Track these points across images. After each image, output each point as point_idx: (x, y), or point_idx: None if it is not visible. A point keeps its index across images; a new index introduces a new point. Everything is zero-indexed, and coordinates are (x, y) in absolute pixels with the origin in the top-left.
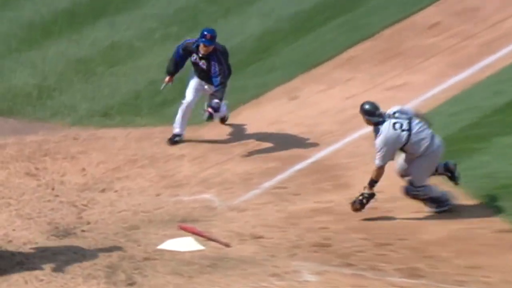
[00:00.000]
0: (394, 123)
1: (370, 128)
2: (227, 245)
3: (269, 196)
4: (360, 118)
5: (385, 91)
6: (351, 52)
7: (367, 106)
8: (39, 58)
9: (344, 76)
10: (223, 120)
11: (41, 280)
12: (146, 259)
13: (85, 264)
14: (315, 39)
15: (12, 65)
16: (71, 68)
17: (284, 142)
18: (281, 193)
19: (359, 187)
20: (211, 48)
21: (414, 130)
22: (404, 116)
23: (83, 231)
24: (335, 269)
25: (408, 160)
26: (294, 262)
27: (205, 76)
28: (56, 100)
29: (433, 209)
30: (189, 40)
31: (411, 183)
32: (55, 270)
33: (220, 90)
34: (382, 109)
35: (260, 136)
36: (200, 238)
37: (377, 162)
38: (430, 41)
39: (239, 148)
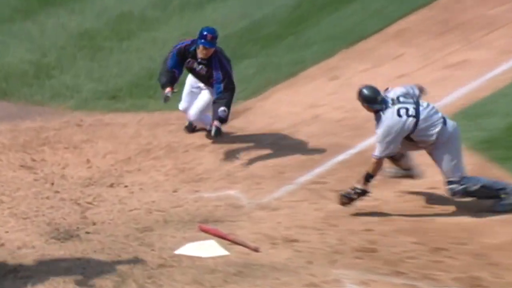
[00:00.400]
0: (399, 109)
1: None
2: (255, 250)
3: (304, 192)
4: None
5: (441, 70)
6: (401, 23)
7: (366, 92)
8: (36, 31)
9: (393, 52)
10: (217, 133)
11: None
12: (161, 266)
13: (90, 272)
14: (360, 8)
15: (4, 38)
16: (73, 43)
17: (323, 129)
18: (319, 189)
19: (409, 182)
20: (211, 51)
21: (422, 116)
22: (410, 99)
23: (87, 233)
24: (382, 278)
25: (428, 153)
26: (334, 270)
27: (204, 81)
28: (56, 80)
29: (497, 209)
30: (183, 42)
31: (448, 181)
32: (54, 279)
33: (225, 94)
34: (383, 93)
35: (294, 122)
36: (224, 242)
37: (377, 153)
38: (495, 10)
39: (269, 136)
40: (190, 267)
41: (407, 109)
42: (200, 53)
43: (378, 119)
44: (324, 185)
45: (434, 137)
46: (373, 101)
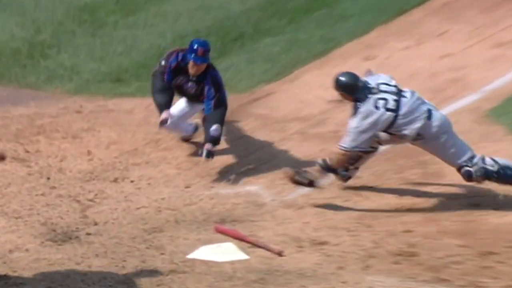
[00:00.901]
0: (377, 100)
1: (474, 97)
2: (279, 254)
3: (336, 189)
4: (460, 84)
5: (491, 49)
6: None
7: (344, 79)
8: (29, 2)
9: (438, 27)
10: (208, 156)
11: None
12: (172, 272)
13: (92, 278)
14: None
15: None
16: (72, 17)
17: None
18: (353, 184)
19: (456, 177)
20: (203, 67)
21: (403, 111)
22: (392, 88)
23: (88, 234)
24: (423, 286)
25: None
26: (369, 276)
27: (193, 100)
28: (52, 59)
29: None
30: (175, 57)
31: (459, 167)
32: (51, 287)
33: (216, 111)
34: (365, 78)
35: (325, 108)
36: (244, 245)
37: (344, 145)
38: None
39: (296, 123)
40: (205, 273)
41: (386, 101)
42: (191, 69)
43: (355, 108)
44: (357, 180)
45: (414, 133)
46: (353, 88)
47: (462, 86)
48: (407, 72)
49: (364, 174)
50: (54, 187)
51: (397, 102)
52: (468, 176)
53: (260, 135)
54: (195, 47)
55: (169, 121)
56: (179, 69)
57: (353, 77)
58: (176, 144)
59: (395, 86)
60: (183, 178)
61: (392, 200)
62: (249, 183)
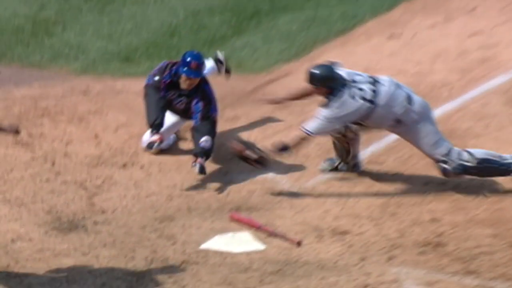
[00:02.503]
0: (354, 90)
1: (504, 78)
2: (298, 244)
3: (358, 174)
4: (490, 64)
5: None
6: None
7: (320, 72)
8: None
9: (467, 3)
10: (201, 171)
11: None
12: (184, 263)
13: (99, 269)
14: None
15: None
16: None
17: None
18: (376, 170)
19: None
20: (196, 81)
21: (382, 101)
22: (367, 78)
23: (95, 223)
24: (451, 278)
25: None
26: (394, 268)
27: (181, 115)
28: (57, 37)
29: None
30: (168, 75)
31: (437, 161)
32: (55, 278)
33: (204, 122)
34: (339, 71)
35: None
36: (261, 234)
37: (309, 129)
38: None
39: (315, 106)
40: (219, 264)
41: (363, 91)
42: (183, 83)
43: (328, 99)
44: (381, 165)
45: (392, 121)
46: (330, 80)
47: (492, 66)
48: (434, 52)
49: (389, 159)
50: (59, 173)
51: (375, 92)
52: (445, 174)
53: (278, 118)
54: (188, 60)
55: (155, 145)
56: (171, 84)
57: (329, 68)
58: (188, 127)
59: (369, 76)
60: None
61: (418, 187)
62: (266, 169)
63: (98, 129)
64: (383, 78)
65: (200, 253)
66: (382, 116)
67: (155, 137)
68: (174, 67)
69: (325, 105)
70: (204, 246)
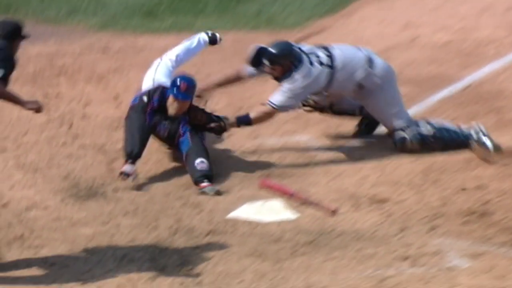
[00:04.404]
0: (310, 58)
1: None
2: (333, 213)
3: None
4: None
5: None
6: None
7: (280, 50)
8: None
9: None
10: (214, 192)
11: (52, 265)
12: (211, 233)
13: (119, 240)
14: None
15: None
16: None
17: (422, 55)
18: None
19: None
20: (186, 105)
21: (338, 64)
22: (319, 47)
23: (115, 190)
24: (497, 250)
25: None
26: (436, 239)
27: (167, 143)
28: None
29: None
30: (157, 98)
31: (393, 132)
32: (73, 249)
33: (195, 141)
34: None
35: (386, 47)
36: (293, 202)
37: (275, 102)
38: None
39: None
40: (249, 234)
41: (318, 57)
42: (171, 107)
43: (289, 74)
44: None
45: (354, 87)
46: (293, 54)
47: None
48: (480, 6)
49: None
50: (76, 136)
51: (330, 57)
52: (402, 144)
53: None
54: (178, 81)
55: (130, 178)
56: (159, 109)
57: (287, 43)
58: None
59: (320, 45)
60: None
61: (462, 152)
62: (299, 132)
63: (118, 89)
64: (335, 46)
65: (228, 223)
66: (343, 82)
67: (129, 169)
68: (165, 90)
69: (288, 79)
70: (232, 215)
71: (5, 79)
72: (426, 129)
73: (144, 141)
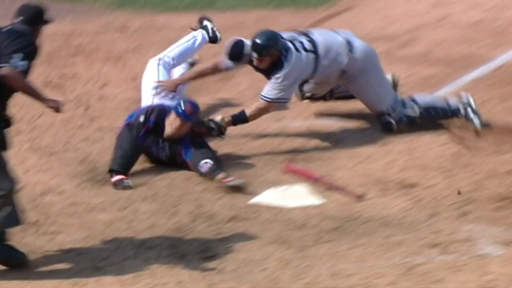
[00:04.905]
0: (294, 45)
1: None
2: (359, 198)
3: (427, 120)
4: None
5: None
6: None
7: (267, 39)
8: None
9: None
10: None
11: (68, 252)
12: (232, 219)
13: (138, 226)
14: None
15: None
16: None
17: (453, 35)
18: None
19: None
20: (186, 128)
21: (321, 49)
22: (299, 33)
23: (134, 174)
24: None
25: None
26: (466, 225)
27: (169, 161)
28: None
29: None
30: (154, 118)
31: (378, 114)
32: (90, 235)
33: (197, 145)
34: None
35: (415, 26)
36: (318, 187)
37: (269, 96)
38: None
39: (380, 44)
40: (272, 221)
41: (301, 42)
42: (169, 126)
43: (278, 64)
44: None
45: (338, 72)
46: (279, 42)
47: None
48: None
49: None
50: (93, 118)
51: (312, 42)
52: (388, 128)
53: None
54: (184, 103)
55: (123, 184)
56: (154, 130)
57: (274, 33)
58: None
59: (299, 31)
60: (246, 108)
61: (494, 134)
62: (324, 115)
63: (136, 69)
64: (314, 31)
65: (251, 208)
66: (327, 67)
67: (119, 177)
68: (165, 110)
69: (278, 70)
70: (254, 200)
71: (26, 71)
72: (412, 111)
73: (133, 162)
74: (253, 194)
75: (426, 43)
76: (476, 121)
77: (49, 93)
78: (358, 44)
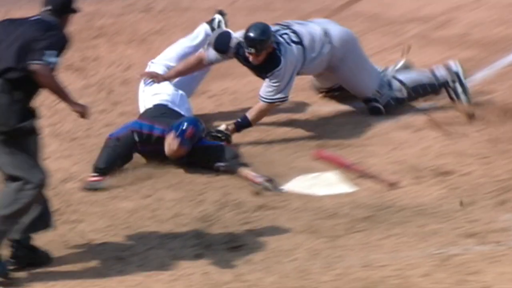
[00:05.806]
0: (284, 38)
1: None
2: (393, 186)
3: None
4: None
5: None
6: None
7: (262, 33)
8: None
9: None
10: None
11: (90, 241)
12: (261, 207)
13: (163, 214)
14: None
15: None
16: None
17: (491, 15)
18: (485, 100)
19: None
20: (183, 152)
21: (306, 41)
22: (282, 25)
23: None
24: None
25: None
26: (505, 214)
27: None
28: None
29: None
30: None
31: (365, 100)
32: (112, 224)
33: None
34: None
35: (451, 6)
36: (350, 174)
37: (269, 96)
38: None
39: (414, 26)
40: (302, 209)
41: (287, 34)
42: (167, 148)
43: (274, 58)
44: (492, 95)
45: (322, 63)
46: (271, 34)
47: None
48: None
49: (500, 87)
50: (116, 103)
51: (296, 33)
52: (376, 113)
53: (370, 40)
54: (185, 126)
55: (98, 185)
56: (150, 148)
57: (266, 25)
58: None
59: (281, 23)
60: None
61: None
62: (356, 99)
63: (161, 52)
64: (290, 20)
65: (279, 197)
66: (314, 59)
67: (99, 178)
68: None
69: (273, 66)
70: (284, 187)
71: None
72: (400, 92)
73: (118, 164)
74: (283, 181)
75: (462, 25)
76: (463, 97)
77: (70, 77)
78: (335, 31)
